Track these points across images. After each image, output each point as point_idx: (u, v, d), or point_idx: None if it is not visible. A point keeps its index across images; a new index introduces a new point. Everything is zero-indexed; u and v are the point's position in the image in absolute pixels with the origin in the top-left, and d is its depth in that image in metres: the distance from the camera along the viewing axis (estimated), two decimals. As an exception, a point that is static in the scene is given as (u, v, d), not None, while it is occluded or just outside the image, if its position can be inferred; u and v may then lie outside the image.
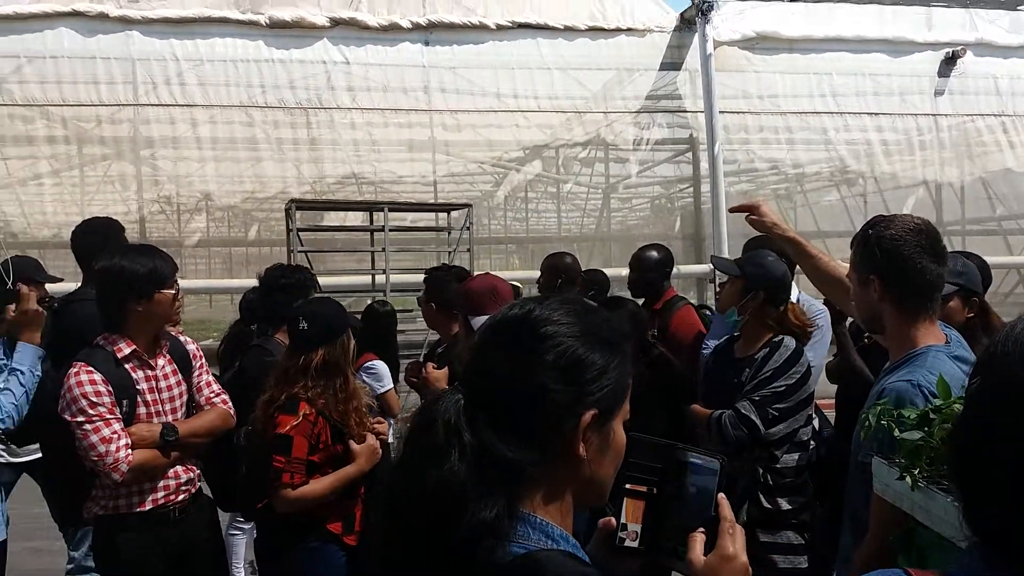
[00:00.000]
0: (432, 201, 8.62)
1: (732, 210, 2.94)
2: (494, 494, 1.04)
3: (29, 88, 7.26)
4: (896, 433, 1.91)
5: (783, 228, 2.83)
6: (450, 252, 7.26)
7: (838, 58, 8.51)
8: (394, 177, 8.86)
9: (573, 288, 4.99)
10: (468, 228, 7.21)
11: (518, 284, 5.52)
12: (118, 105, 7.44)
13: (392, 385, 4.77)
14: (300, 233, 6.85)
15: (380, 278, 7.16)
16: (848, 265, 2.40)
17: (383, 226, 7.00)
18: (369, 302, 5.70)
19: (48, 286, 3.85)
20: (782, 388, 3.09)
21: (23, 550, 3.21)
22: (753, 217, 2.84)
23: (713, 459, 1.28)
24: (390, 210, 7.17)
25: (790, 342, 3.19)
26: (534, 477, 1.10)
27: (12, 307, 2.96)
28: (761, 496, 3.10)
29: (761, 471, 3.11)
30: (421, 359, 3.83)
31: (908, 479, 1.80)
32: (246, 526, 4.74)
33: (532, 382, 1.10)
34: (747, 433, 3.07)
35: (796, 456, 3.14)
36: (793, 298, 3.40)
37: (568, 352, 1.12)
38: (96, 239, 3.67)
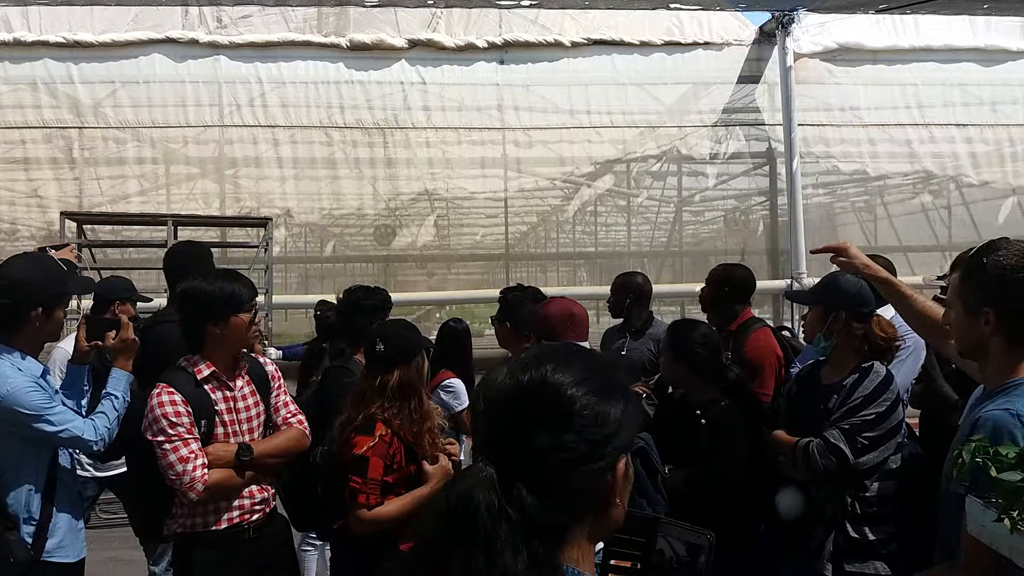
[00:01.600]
0: (233, 216, 8.10)
1: (815, 251, 2.87)
2: (539, 559, 1.04)
3: (122, 112, 7.61)
4: (993, 473, 1.80)
5: (873, 269, 2.75)
6: (247, 268, 6.62)
7: (925, 68, 8.22)
8: (466, 193, 8.94)
9: (643, 309, 4.91)
10: (266, 247, 6.91)
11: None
12: (204, 126, 7.73)
13: (468, 403, 4.79)
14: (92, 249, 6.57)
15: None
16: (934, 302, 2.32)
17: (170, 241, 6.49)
18: (445, 320, 5.74)
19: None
20: (872, 416, 2.97)
21: (103, 560, 3.32)
22: (841, 259, 2.77)
23: (702, 534, 1.25)
24: (178, 224, 6.85)
25: (880, 368, 3.08)
26: (573, 531, 1.13)
27: (112, 334, 3.06)
28: (848, 525, 2.99)
29: (849, 500, 3.01)
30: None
31: (1007, 522, 1.70)
32: (317, 543, 4.81)
33: (568, 445, 1.10)
34: (836, 462, 2.97)
35: (886, 485, 3.02)
36: (887, 315, 3.28)
37: (594, 412, 1.13)
38: (184, 261, 3.79)
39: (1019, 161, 8.81)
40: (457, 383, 4.66)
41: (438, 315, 16.67)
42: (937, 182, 9.23)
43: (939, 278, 3.81)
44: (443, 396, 4.45)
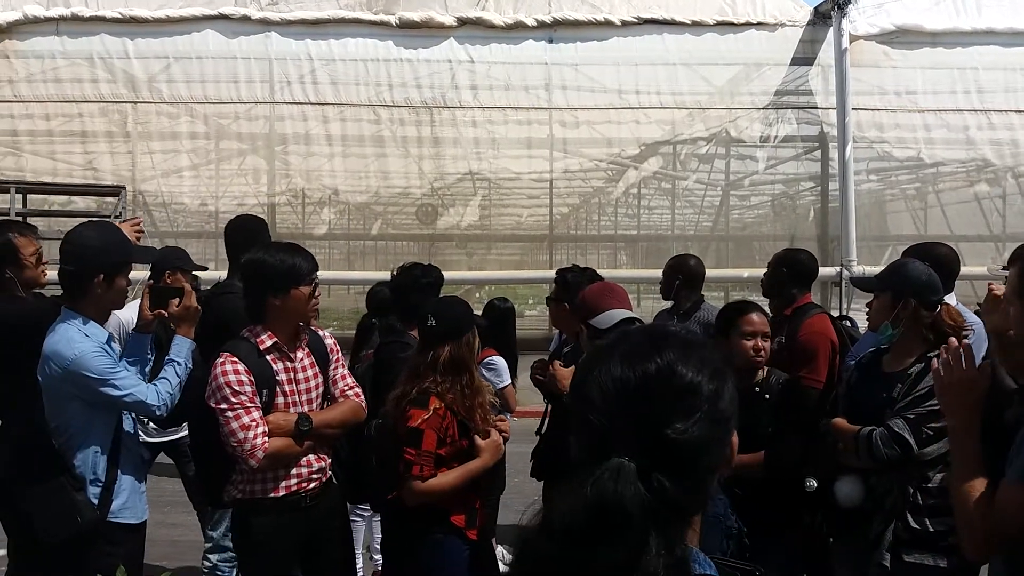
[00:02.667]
0: (83, 184, 7.92)
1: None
2: (673, 547, 1.06)
3: (176, 87, 7.71)
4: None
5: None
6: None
7: (986, 52, 7.98)
8: (510, 174, 8.92)
9: (693, 292, 4.87)
10: (119, 215, 6.56)
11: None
12: (255, 103, 7.80)
13: (511, 380, 4.81)
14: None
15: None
16: None
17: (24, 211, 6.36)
18: (489, 299, 5.77)
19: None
20: (938, 407, 2.93)
21: (156, 523, 3.41)
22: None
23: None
24: (24, 191, 6.57)
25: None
26: (695, 511, 1.17)
27: (175, 301, 3.12)
28: (909, 516, 2.96)
29: (911, 490, 2.97)
30: (547, 358, 3.84)
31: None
32: (366, 514, 4.88)
33: (703, 433, 1.13)
34: (899, 452, 2.93)
35: (947, 476, 2.98)
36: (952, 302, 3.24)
37: (718, 395, 1.15)
38: (242, 234, 3.86)
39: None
40: (499, 361, 4.69)
41: (477, 295, 16.75)
42: (993, 170, 8.99)
43: (1004, 268, 3.72)
44: (485, 373, 4.48)
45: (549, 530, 1.06)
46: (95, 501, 2.89)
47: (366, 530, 5.02)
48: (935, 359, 2.16)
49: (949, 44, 7.96)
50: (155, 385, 2.98)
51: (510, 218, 11.28)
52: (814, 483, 3.26)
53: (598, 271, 4.96)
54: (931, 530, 2.94)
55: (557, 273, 4.41)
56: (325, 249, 12.26)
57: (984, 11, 7.86)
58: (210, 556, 4.35)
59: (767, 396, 3.40)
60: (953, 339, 2.04)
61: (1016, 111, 8.25)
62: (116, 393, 2.86)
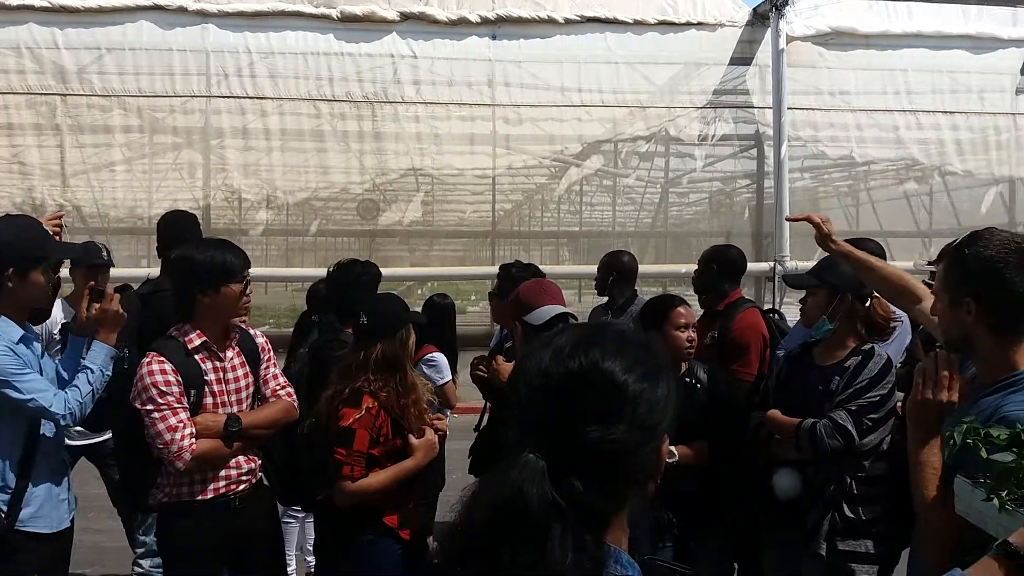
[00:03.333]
0: None
1: (791, 219, 2.95)
2: (586, 547, 1.03)
3: (108, 79, 7.47)
4: (984, 454, 1.83)
5: (838, 243, 2.87)
6: None
7: (915, 55, 8.23)
8: (453, 170, 8.88)
9: (627, 287, 4.94)
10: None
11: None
12: (191, 96, 7.61)
13: (451, 377, 4.81)
14: None
15: None
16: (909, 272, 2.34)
17: None
18: (429, 296, 5.76)
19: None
20: (876, 398, 3.03)
21: (80, 529, 3.31)
22: (823, 231, 2.90)
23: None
24: None
25: (882, 351, 3.13)
26: (617, 514, 1.13)
27: (95, 305, 3.01)
28: (844, 505, 3.05)
29: (849, 480, 3.06)
30: (487, 353, 3.84)
31: (996, 501, 1.73)
32: (299, 515, 4.82)
33: (623, 435, 1.08)
34: (842, 443, 3.01)
35: (880, 466, 3.08)
36: None
37: (647, 399, 1.11)
38: (174, 230, 3.78)
39: (1003, 150, 8.86)
40: (440, 357, 4.68)
41: (420, 291, 16.65)
42: (921, 169, 9.27)
43: (930, 263, 3.85)
44: (425, 370, 4.48)
45: (457, 529, 1.05)
46: (3, 509, 2.77)
47: (300, 531, 4.96)
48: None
49: (881, 46, 8.18)
50: (65, 392, 2.87)
51: (452, 214, 11.23)
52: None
53: (541, 267, 4.99)
54: (864, 518, 3.04)
55: (501, 268, 4.42)
56: (262, 245, 12.06)
57: (914, 15, 8.09)
58: (141, 562, 4.25)
59: (698, 385, 3.47)
60: (942, 365, 2.02)
61: (943, 112, 8.52)
62: (17, 396, 2.74)
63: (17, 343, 2.79)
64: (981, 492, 1.78)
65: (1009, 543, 1.46)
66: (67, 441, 4.07)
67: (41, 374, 2.86)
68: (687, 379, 3.47)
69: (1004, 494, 1.72)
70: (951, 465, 1.98)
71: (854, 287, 3.16)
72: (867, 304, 3.18)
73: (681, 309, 3.52)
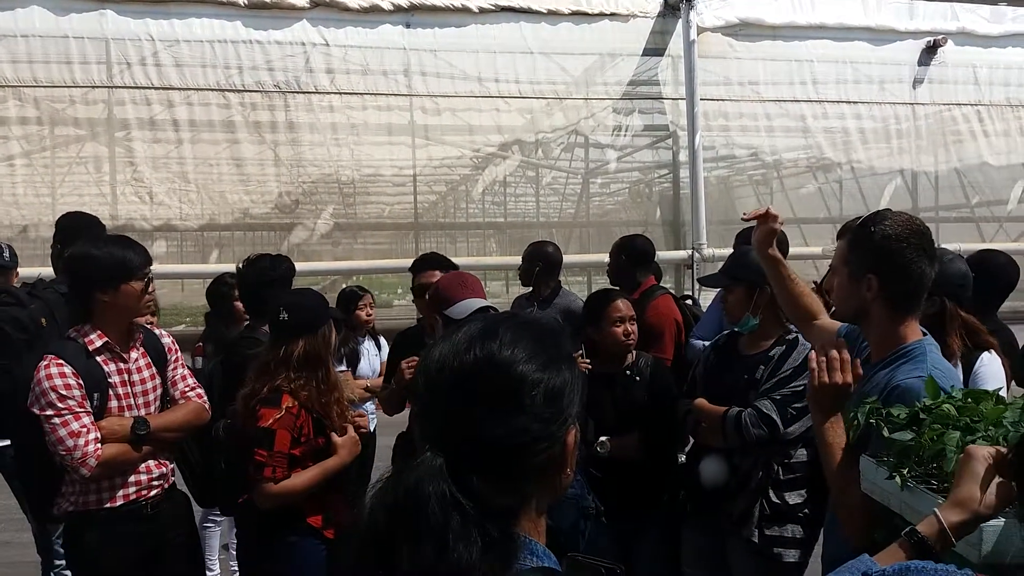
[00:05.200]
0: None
1: (746, 218, 2.84)
2: (493, 541, 1.00)
3: (0, 68, 7.08)
4: (885, 433, 1.89)
5: (773, 249, 2.81)
6: None
7: (820, 46, 8.51)
8: (372, 161, 8.76)
9: (552, 278, 4.96)
10: None
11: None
12: (92, 87, 7.28)
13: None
14: None
15: None
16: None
17: None
18: (344, 286, 5.73)
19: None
20: (801, 388, 3.09)
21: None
22: (763, 226, 2.76)
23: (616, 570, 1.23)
24: None
25: (806, 341, 3.21)
26: (524, 507, 1.10)
27: None
28: (770, 491, 3.12)
29: (776, 467, 3.14)
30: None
31: (898, 479, 1.80)
32: (220, 519, 4.71)
33: (522, 429, 1.05)
34: (767, 432, 3.08)
35: (806, 452, 3.16)
36: None
37: (546, 390, 1.08)
38: (73, 230, 3.62)
39: (904, 138, 9.25)
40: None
41: (344, 285, 16.37)
42: (828, 158, 9.60)
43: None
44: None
45: (357, 529, 1.02)
46: None
47: (224, 531, 4.84)
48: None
49: (787, 37, 8.42)
50: None
51: (375, 206, 11.10)
52: (683, 458, 3.39)
53: (468, 259, 4.97)
54: (790, 503, 3.12)
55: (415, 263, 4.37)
56: (177, 240, 11.67)
57: (817, 6, 8.36)
58: (66, 573, 4.08)
59: (638, 378, 3.51)
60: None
61: (847, 102, 8.83)
62: None
63: None
64: (884, 471, 1.85)
65: (917, 532, 1.51)
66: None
67: None
68: (627, 372, 3.51)
69: (905, 471, 1.79)
70: (855, 445, 2.05)
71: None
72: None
73: (619, 303, 3.56)
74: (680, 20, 7.95)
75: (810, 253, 8.16)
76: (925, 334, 2.20)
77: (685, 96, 8.01)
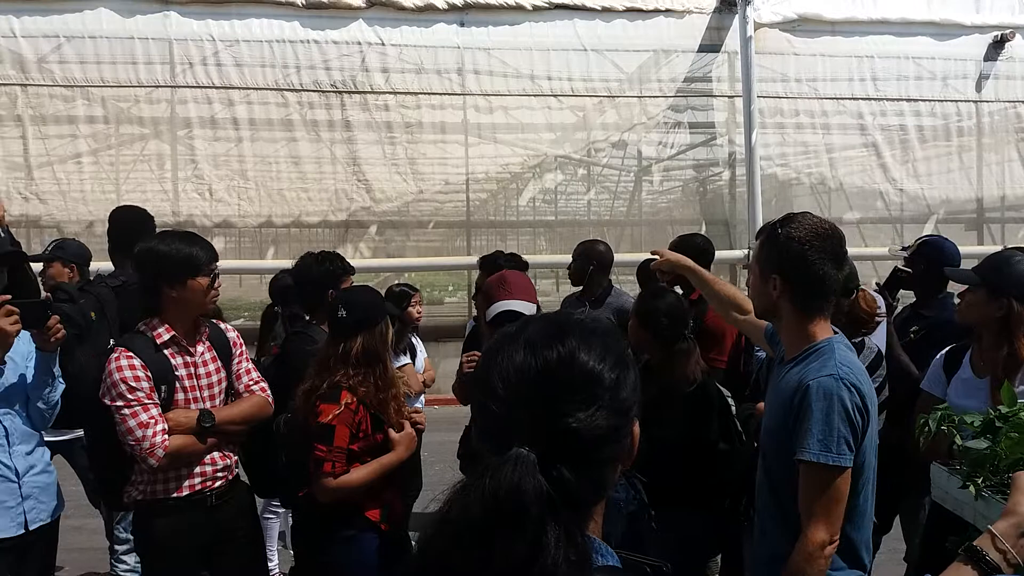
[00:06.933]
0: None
1: (655, 266, 3.06)
2: (574, 539, 1.03)
3: (69, 68, 7.32)
4: (959, 441, 1.85)
5: (685, 261, 2.96)
6: None
7: (881, 41, 8.32)
8: (425, 159, 8.84)
9: (603, 277, 4.92)
10: None
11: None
12: (155, 86, 7.48)
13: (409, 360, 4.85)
14: None
15: None
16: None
17: None
18: (393, 284, 5.79)
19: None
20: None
21: (63, 528, 3.25)
22: (660, 261, 2.98)
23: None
24: None
25: (872, 344, 3.15)
26: (598, 503, 1.15)
27: None
28: None
29: None
30: (463, 344, 3.82)
31: (972, 488, 1.75)
32: (280, 510, 4.78)
33: (604, 423, 1.10)
34: None
35: None
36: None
37: (619, 384, 1.14)
38: (127, 224, 3.73)
39: (966, 136, 9.00)
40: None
41: (394, 283, 16.50)
42: (887, 156, 9.38)
43: (903, 249, 3.88)
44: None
45: (447, 523, 1.04)
46: None
47: (283, 523, 4.92)
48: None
49: (847, 33, 8.24)
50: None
51: (427, 204, 11.19)
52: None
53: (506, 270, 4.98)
54: None
55: (480, 260, 4.38)
56: (235, 237, 11.91)
57: (879, 1, 8.17)
58: (126, 558, 4.19)
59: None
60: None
61: (907, 99, 8.62)
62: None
63: None
64: (957, 479, 1.80)
65: (974, 547, 1.47)
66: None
67: None
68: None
69: (980, 481, 1.74)
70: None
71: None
72: (852, 298, 3.19)
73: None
74: (736, 16, 7.85)
75: (870, 254, 7.99)
76: (836, 332, 2.22)
77: (741, 93, 7.90)
